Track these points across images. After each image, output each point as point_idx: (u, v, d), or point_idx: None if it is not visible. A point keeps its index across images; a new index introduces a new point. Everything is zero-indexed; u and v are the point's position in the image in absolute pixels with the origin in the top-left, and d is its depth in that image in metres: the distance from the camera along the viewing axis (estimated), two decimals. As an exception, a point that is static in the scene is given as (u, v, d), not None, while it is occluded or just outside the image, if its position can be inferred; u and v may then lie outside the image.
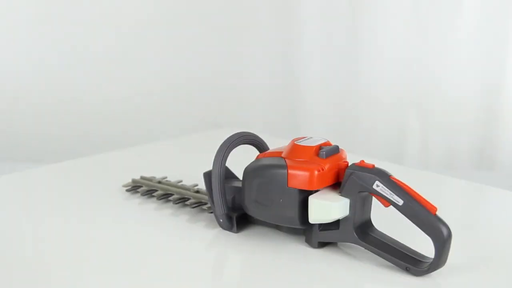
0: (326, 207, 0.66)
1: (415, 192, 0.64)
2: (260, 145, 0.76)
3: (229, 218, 0.73)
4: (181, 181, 0.88)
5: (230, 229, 0.74)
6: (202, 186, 0.80)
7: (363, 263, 0.67)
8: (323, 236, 0.69)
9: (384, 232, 0.68)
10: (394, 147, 1.77)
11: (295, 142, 0.70)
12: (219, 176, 0.72)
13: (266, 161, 0.70)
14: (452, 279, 0.63)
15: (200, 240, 0.73)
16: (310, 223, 0.68)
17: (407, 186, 0.64)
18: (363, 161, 0.67)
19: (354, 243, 0.67)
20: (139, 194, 0.86)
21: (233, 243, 0.72)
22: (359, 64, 1.72)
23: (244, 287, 0.65)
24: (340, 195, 0.67)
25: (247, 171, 0.70)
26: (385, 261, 0.66)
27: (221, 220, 0.74)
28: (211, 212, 0.79)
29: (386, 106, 1.74)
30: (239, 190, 0.73)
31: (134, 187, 0.88)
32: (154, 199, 0.85)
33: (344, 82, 1.75)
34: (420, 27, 1.69)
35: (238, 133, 0.74)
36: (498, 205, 0.89)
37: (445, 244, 0.62)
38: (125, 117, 1.77)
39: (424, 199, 0.63)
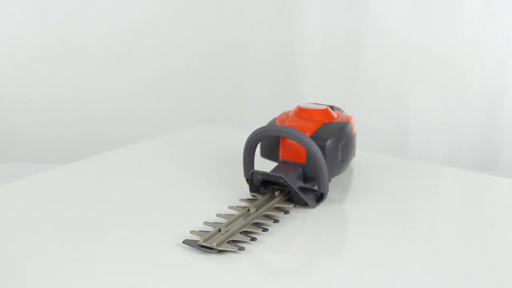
0: None
1: None
2: None
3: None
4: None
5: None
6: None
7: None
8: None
9: None
10: (395, 147, 1.76)
11: (317, 108, 0.77)
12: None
13: (330, 128, 0.75)
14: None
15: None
16: None
17: None
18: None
19: None
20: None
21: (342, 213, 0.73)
22: (359, 63, 1.73)
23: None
24: None
25: (330, 145, 0.73)
26: None
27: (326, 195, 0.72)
28: (297, 205, 0.72)
29: (387, 106, 1.74)
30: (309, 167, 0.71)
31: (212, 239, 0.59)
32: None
33: (345, 82, 1.75)
34: (421, 26, 1.69)
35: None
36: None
37: None
38: (126, 115, 1.76)
39: None
